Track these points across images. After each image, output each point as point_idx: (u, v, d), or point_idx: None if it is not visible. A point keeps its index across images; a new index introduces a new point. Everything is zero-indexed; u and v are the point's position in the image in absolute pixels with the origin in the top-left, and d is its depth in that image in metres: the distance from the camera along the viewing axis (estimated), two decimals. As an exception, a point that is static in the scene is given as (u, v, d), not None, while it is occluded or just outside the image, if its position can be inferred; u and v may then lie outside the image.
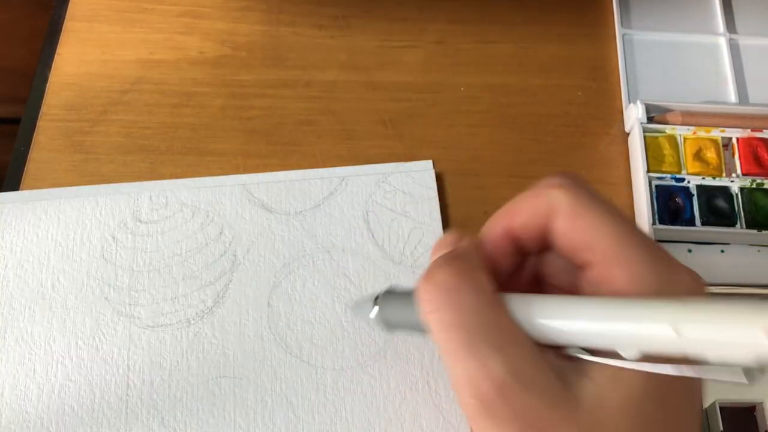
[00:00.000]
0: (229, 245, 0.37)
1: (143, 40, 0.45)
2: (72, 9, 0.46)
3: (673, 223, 0.38)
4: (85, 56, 0.45)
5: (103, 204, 0.38)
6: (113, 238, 0.37)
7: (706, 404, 0.33)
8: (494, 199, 0.40)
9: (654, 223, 0.38)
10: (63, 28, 0.46)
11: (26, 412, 0.33)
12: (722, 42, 0.46)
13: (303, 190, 0.39)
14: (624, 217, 0.24)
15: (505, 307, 0.23)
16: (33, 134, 0.42)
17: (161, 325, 0.35)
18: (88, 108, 0.43)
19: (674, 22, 0.47)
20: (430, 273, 0.24)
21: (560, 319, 0.23)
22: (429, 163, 0.40)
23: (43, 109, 0.43)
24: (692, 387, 0.23)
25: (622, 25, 0.46)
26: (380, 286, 0.35)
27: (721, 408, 0.33)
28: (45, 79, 0.44)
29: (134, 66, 0.44)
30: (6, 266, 0.37)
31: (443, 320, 0.23)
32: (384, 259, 0.37)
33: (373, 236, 0.38)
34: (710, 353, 0.19)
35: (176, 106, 0.43)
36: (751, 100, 0.44)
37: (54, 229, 0.38)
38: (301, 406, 0.34)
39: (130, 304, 0.36)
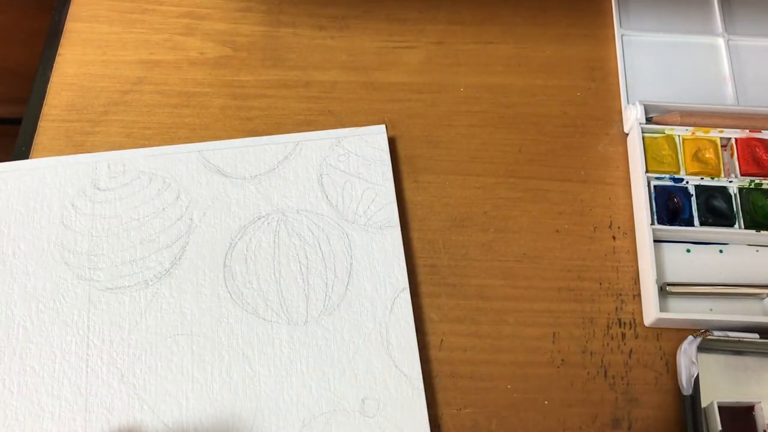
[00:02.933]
0: (186, 209, 0.39)
1: (144, 41, 0.45)
2: (73, 10, 0.46)
3: (671, 223, 0.39)
4: (86, 57, 0.45)
5: (62, 173, 0.39)
6: (72, 205, 0.39)
7: (705, 404, 0.33)
8: (494, 198, 0.41)
9: (653, 223, 0.38)
10: (64, 29, 0.46)
11: None
12: (721, 43, 0.46)
13: (258, 155, 0.40)
14: None
15: None
16: (34, 134, 0.42)
17: (120, 287, 0.37)
18: (88, 108, 0.43)
19: (673, 23, 0.47)
20: None
21: None
22: (382, 128, 0.41)
23: (45, 109, 0.43)
24: None
25: (621, 26, 0.46)
26: (335, 244, 0.37)
27: (719, 408, 0.33)
28: (46, 80, 0.44)
29: (135, 66, 0.44)
30: None
31: None
32: (338, 218, 0.39)
33: (327, 197, 0.39)
34: None
35: (177, 107, 0.43)
36: (749, 101, 0.44)
37: (14, 199, 0.39)
38: (258, 360, 0.35)
39: (89, 268, 0.37)
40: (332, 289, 0.37)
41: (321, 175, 0.40)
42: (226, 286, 0.37)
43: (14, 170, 0.39)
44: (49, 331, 0.35)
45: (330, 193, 0.39)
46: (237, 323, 0.36)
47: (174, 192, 0.39)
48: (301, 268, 0.37)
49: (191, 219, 0.38)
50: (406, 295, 0.37)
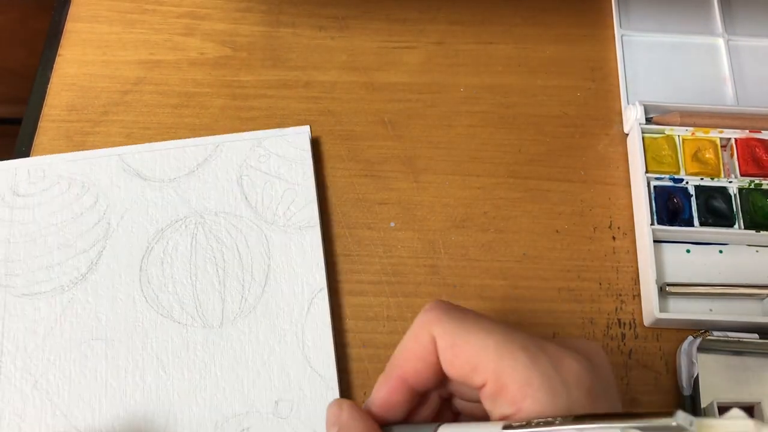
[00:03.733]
0: (104, 213, 0.39)
1: (144, 41, 0.45)
2: (73, 10, 0.46)
3: (671, 224, 0.39)
4: (86, 57, 0.45)
5: None
6: None
7: (705, 404, 0.33)
8: (494, 198, 0.41)
9: (652, 224, 0.38)
10: (64, 29, 0.46)
11: None
12: (721, 43, 0.46)
13: (178, 157, 0.40)
14: (499, 328, 0.25)
15: None
16: (34, 134, 0.42)
17: (36, 293, 0.37)
18: (89, 108, 0.43)
19: (673, 23, 0.47)
20: None
21: None
22: (306, 128, 0.41)
23: (45, 109, 0.43)
24: None
25: (621, 26, 0.46)
26: (253, 246, 0.37)
27: (719, 408, 0.33)
28: (46, 80, 0.44)
29: (135, 67, 0.45)
30: None
31: None
32: (257, 219, 0.39)
33: (246, 198, 0.39)
34: None
35: (177, 107, 0.43)
36: (749, 101, 0.44)
37: None
38: (172, 364, 0.35)
39: (6, 275, 0.37)
40: (249, 291, 0.37)
41: (241, 176, 0.40)
42: (142, 290, 0.37)
43: None
44: None
45: (249, 194, 0.39)
46: (152, 327, 0.36)
47: (92, 196, 0.39)
48: (218, 270, 0.37)
49: (108, 223, 0.38)
50: (324, 295, 0.37)
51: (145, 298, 0.36)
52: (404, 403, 0.27)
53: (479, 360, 0.24)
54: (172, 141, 0.41)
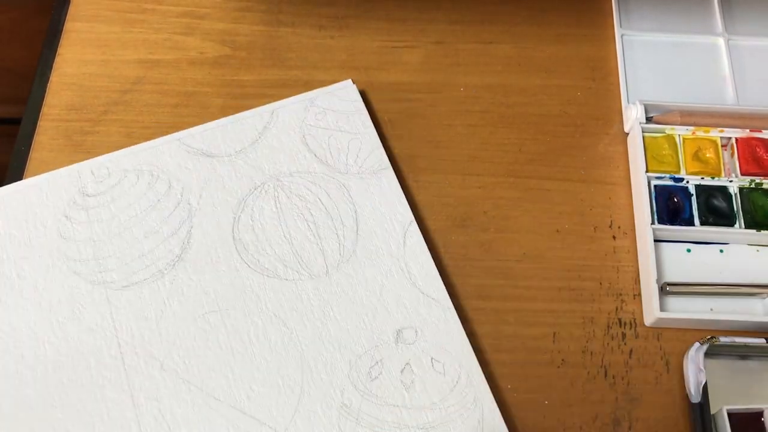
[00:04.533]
0: (181, 196, 0.39)
1: (143, 41, 0.45)
2: (72, 10, 0.46)
3: (672, 223, 0.38)
4: (86, 56, 0.45)
5: (47, 190, 0.39)
6: (66, 217, 0.38)
7: (714, 410, 0.33)
8: (494, 198, 0.41)
9: (653, 223, 0.38)
10: (63, 28, 0.46)
11: (26, 395, 0.34)
12: (721, 43, 0.46)
13: (237, 131, 0.41)
14: None
15: None
16: (34, 134, 0.42)
17: (136, 283, 0.37)
18: (88, 108, 0.43)
19: (673, 22, 0.47)
20: None
21: None
22: (349, 82, 0.43)
23: (44, 109, 0.43)
24: None
25: (621, 26, 0.46)
26: (335, 196, 0.39)
27: (729, 414, 0.33)
28: (46, 80, 0.44)
29: (134, 66, 0.44)
30: None
31: None
32: (331, 172, 0.40)
33: (315, 155, 0.40)
34: None
35: (176, 106, 0.43)
36: (749, 101, 0.44)
37: (4, 224, 0.38)
38: (291, 318, 0.36)
39: (100, 272, 0.37)
40: (344, 237, 0.38)
41: (304, 135, 0.41)
42: (241, 258, 0.37)
43: None
44: (76, 341, 0.35)
45: (317, 150, 0.40)
46: (261, 290, 0.36)
47: (164, 182, 0.39)
48: (308, 225, 0.38)
49: (189, 204, 0.39)
50: (415, 227, 0.38)
51: (247, 264, 0.37)
52: None
53: None
54: (224, 118, 0.41)
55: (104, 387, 0.34)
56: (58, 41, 0.45)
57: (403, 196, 0.39)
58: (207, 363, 0.35)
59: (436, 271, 0.37)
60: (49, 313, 0.36)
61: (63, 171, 0.40)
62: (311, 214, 0.38)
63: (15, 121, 0.43)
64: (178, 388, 0.34)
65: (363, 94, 0.43)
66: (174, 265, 0.37)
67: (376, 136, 0.41)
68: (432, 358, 0.35)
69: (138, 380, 0.34)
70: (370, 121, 0.41)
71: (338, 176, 0.39)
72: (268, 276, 0.37)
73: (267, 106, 0.42)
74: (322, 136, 0.41)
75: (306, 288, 0.37)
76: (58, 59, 0.45)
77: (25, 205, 0.39)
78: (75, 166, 0.40)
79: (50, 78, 0.44)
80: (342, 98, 0.42)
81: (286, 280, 0.37)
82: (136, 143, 0.41)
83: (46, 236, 0.38)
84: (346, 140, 0.41)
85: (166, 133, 0.42)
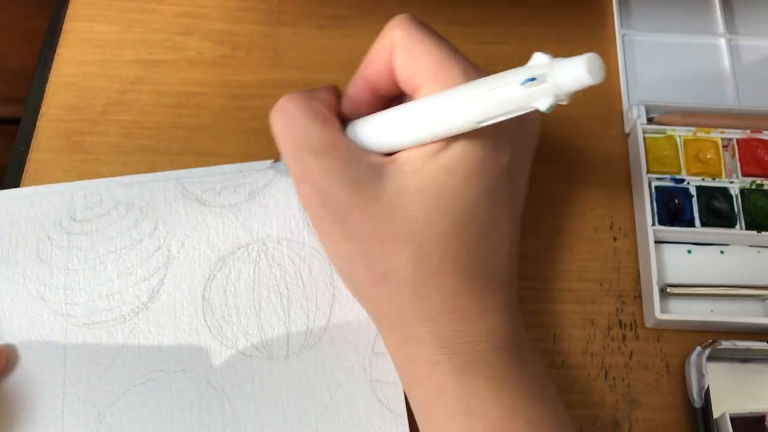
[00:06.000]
0: (164, 240, 0.37)
1: (143, 41, 0.45)
2: (72, 9, 0.46)
3: (672, 224, 0.38)
4: (85, 56, 0.45)
5: (38, 204, 0.38)
6: (48, 237, 0.37)
7: (717, 415, 0.33)
8: (494, 199, 0.40)
9: (654, 224, 0.38)
10: (63, 28, 0.46)
11: None
12: (722, 43, 0.46)
13: (238, 182, 0.39)
14: (447, 47, 0.28)
15: (338, 126, 0.30)
16: (32, 134, 0.42)
17: (97, 323, 0.35)
18: (87, 108, 0.43)
19: (674, 22, 0.47)
20: (279, 101, 0.30)
21: (374, 126, 0.29)
22: None
23: (43, 109, 0.43)
24: (497, 186, 0.28)
25: (622, 26, 0.46)
26: (316, 275, 0.37)
27: (731, 418, 0.32)
28: (45, 80, 0.44)
29: (134, 66, 0.44)
30: None
31: (281, 134, 0.30)
32: (320, 247, 0.37)
33: (308, 225, 0.38)
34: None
35: (176, 107, 0.43)
36: (751, 102, 0.44)
37: None
38: (237, 397, 0.34)
39: (66, 303, 0.36)
40: (314, 321, 0.36)
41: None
42: (205, 320, 0.36)
43: None
44: (24, 368, 0.34)
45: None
46: (216, 358, 0.35)
47: (152, 222, 0.38)
48: (281, 299, 0.36)
49: (169, 250, 0.37)
50: None
51: (209, 328, 0.35)
52: (368, 102, 0.30)
53: (420, 65, 0.28)
54: (230, 165, 0.39)
55: (38, 425, 0.33)
56: (57, 41, 0.45)
57: None
58: (143, 424, 0.33)
59: (399, 379, 0.34)
60: (7, 335, 0.35)
61: (57, 187, 0.38)
62: (287, 289, 0.36)
63: (14, 121, 0.43)
64: None
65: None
66: (138, 312, 0.36)
67: None
68: None
69: (73, 426, 0.33)
70: None
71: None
72: (226, 346, 0.35)
73: (276, 163, 0.39)
74: None
75: (261, 368, 0.35)
76: (57, 59, 0.44)
77: (12, 215, 0.38)
78: (69, 185, 0.39)
79: (49, 78, 0.44)
80: None
81: (243, 354, 0.35)
82: (135, 143, 0.41)
83: (24, 254, 0.37)
84: None
85: (165, 133, 0.42)
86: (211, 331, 0.35)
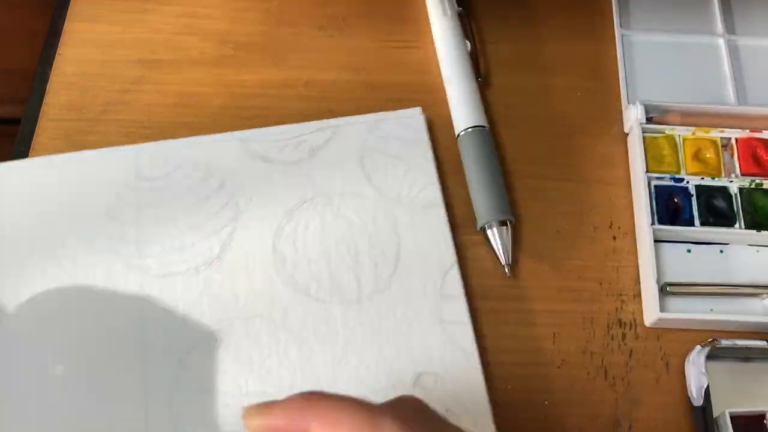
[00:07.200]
0: (231, 196, 0.39)
1: (143, 41, 0.45)
2: (72, 9, 0.46)
3: (672, 224, 0.38)
4: (86, 56, 0.45)
5: (104, 166, 0.39)
6: (117, 196, 0.39)
7: (717, 413, 0.33)
8: (494, 199, 0.40)
9: (653, 223, 0.38)
10: (63, 28, 0.46)
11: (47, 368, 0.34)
12: (721, 43, 0.46)
13: (299, 140, 0.40)
14: None
15: None
16: (33, 134, 0.42)
17: (171, 274, 0.37)
18: (88, 108, 0.43)
19: (673, 22, 0.47)
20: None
21: None
22: (418, 110, 0.42)
23: (44, 108, 0.43)
24: None
25: (621, 26, 0.46)
26: (380, 225, 0.38)
27: (731, 417, 0.33)
28: (45, 79, 0.44)
29: (134, 66, 0.44)
30: (15, 230, 0.38)
31: None
32: (382, 199, 0.39)
33: (369, 180, 0.39)
34: None
35: (176, 106, 0.43)
36: (750, 101, 0.44)
37: (57, 192, 0.39)
38: (314, 340, 0.35)
39: (139, 257, 0.37)
40: (382, 268, 0.37)
41: (362, 157, 0.40)
42: (276, 269, 0.37)
43: (56, 166, 0.39)
44: (103, 320, 0.35)
45: (372, 175, 0.40)
46: (291, 305, 0.36)
47: (218, 179, 0.39)
48: (349, 249, 0.37)
49: (237, 205, 0.39)
50: (456, 271, 0.37)
51: (281, 276, 0.37)
52: None
53: None
54: (288, 126, 0.41)
55: (119, 370, 0.34)
56: (58, 41, 0.45)
57: (450, 237, 0.38)
58: (223, 367, 0.35)
59: (470, 320, 0.36)
60: (83, 288, 0.36)
61: (122, 149, 0.40)
62: (354, 239, 0.38)
63: (15, 121, 0.43)
64: (190, 388, 0.34)
65: (363, 94, 0.43)
66: (211, 264, 0.37)
67: (435, 170, 0.40)
68: (447, 409, 0.34)
69: (152, 370, 0.34)
70: (432, 154, 0.40)
71: (388, 205, 0.39)
72: (299, 292, 0.36)
73: (332, 120, 0.41)
74: (380, 162, 0.40)
75: (334, 312, 0.36)
76: (57, 59, 0.45)
77: (80, 177, 0.39)
78: (134, 147, 0.40)
79: (50, 78, 0.44)
80: (407, 126, 0.41)
81: (316, 300, 0.36)
82: (136, 144, 0.41)
83: (95, 212, 0.38)
84: (403, 170, 0.40)
85: (166, 133, 0.42)
86: (283, 280, 0.37)
